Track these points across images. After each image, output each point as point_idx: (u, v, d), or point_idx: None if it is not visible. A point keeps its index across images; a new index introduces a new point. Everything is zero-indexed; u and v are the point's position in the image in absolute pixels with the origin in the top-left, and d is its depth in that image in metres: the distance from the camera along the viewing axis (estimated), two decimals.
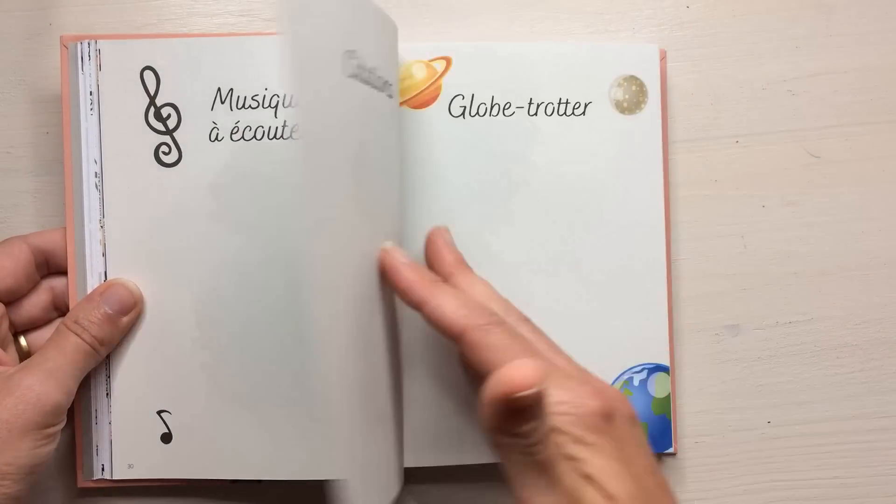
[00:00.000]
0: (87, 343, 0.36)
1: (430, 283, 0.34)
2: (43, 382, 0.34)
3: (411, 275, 0.34)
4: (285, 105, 0.38)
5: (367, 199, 0.33)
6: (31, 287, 0.38)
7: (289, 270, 0.38)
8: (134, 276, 0.38)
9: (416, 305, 0.34)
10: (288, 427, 0.38)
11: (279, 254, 0.38)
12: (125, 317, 0.37)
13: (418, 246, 0.40)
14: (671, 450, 0.41)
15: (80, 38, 0.38)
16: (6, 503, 0.33)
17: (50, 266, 0.39)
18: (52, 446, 0.35)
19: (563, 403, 0.30)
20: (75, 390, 0.36)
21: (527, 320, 0.35)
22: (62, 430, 0.36)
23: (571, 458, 0.29)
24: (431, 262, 0.38)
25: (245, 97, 0.38)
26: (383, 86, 0.35)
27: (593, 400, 0.30)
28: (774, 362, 0.43)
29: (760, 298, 0.43)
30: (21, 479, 0.34)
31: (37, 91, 0.41)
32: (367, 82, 0.33)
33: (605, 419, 0.30)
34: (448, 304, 0.33)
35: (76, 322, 0.36)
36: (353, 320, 0.32)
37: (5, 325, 0.37)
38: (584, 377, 0.33)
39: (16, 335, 0.39)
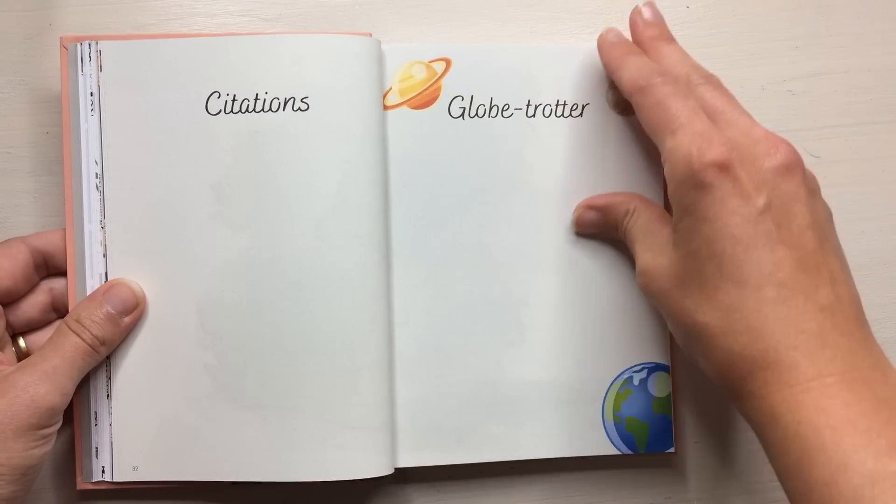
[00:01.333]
0: (87, 343, 0.36)
1: (623, 53, 0.38)
2: (38, 383, 0.34)
3: (610, 48, 0.38)
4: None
5: (242, 212, 0.38)
6: (30, 288, 0.38)
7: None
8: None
9: (609, 73, 0.39)
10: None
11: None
12: (127, 317, 0.37)
13: (409, 245, 0.40)
14: (671, 449, 0.41)
15: (79, 39, 0.38)
16: None
17: (49, 267, 0.39)
18: (47, 448, 0.35)
19: (678, 154, 0.33)
20: (72, 391, 0.36)
21: (712, 83, 0.37)
22: (59, 431, 0.36)
23: (682, 207, 0.34)
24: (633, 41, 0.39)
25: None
26: (283, 105, 0.38)
27: (711, 151, 0.33)
28: None
29: None
30: (15, 481, 0.34)
31: (37, 91, 0.41)
32: (248, 111, 0.38)
33: (721, 168, 0.32)
34: (627, 70, 0.37)
35: (77, 321, 0.36)
36: None
37: (2, 325, 0.37)
38: (739, 130, 0.34)
39: (14, 337, 0.39)
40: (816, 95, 0.44)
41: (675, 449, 0.42)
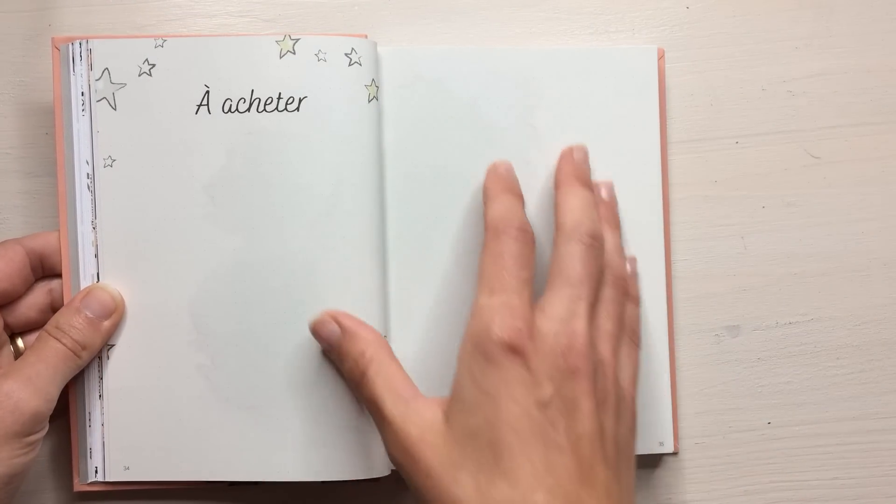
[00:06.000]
0: (68, 348, 0.36)
1: (502, 189, 0.38)
2: (22, 389, 0.34)
3: (493, 179, 0.38)
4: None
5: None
6: (27, 289, 0.38)
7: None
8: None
9: (483, 200, 0.38)
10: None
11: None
12: (106, 321, 0.37)
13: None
14: (672, 449, 0.41)
15: (71, 39, 0.38)
16: None
17: (45, 268, 0.39)
18: (30, 456, 0.34)
19: (482, 317, 0.33)
20: (56, 397, 0.35)
21: (588, 244, 0.35)
22: (57, 432, 0.36)
23: (469, 372, 0.33)
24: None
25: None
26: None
27: (510, 331, 0.32)
28: (774, 363, 0.43)
29: (760, 299, 0.43)
30: None
31: (36, 92, 0.41)
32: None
33: (512, 351, 0.32)
34: (496, 207, 0.37)
35: (57, 328, 0.36)
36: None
37: None
38: (557, 316, 0.34)
39: (13, 338, 0.38)
40: (816, 96, 0.43)
41: (676, 449, 0.42)
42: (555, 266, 0.35)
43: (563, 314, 0.34)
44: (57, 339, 0.36)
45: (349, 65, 0.38)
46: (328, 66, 0.38)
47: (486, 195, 0.38)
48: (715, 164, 0.43)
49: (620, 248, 0.38)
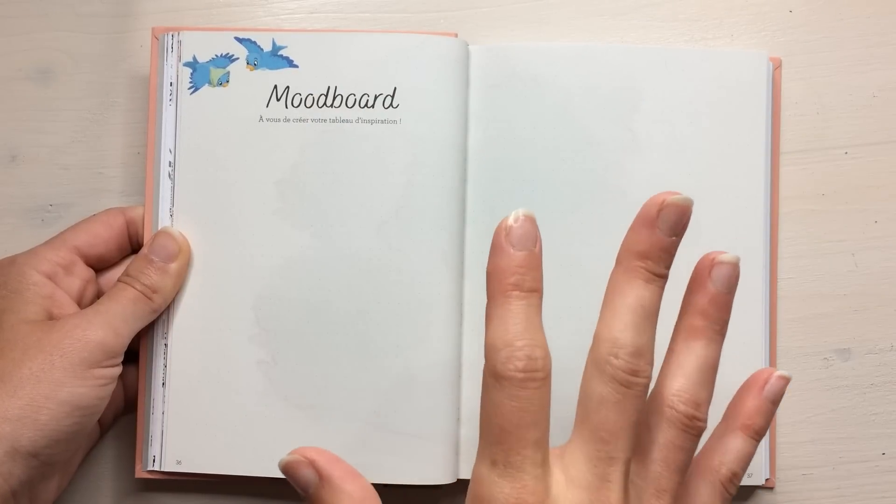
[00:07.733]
0: (138, 290, 0.37)
1: (507, 291, 0.29)
2: (90, 321, 0.35)
3: (496, 272, 0.29)
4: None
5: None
6: (122, 257, 0.40)
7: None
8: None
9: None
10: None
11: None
12: (173, 263, 0.38)
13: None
14: (763, 482, 0.39)
15: (168, 31, 0.40)
16: (41, 442, 0.33)
17: (141, 240, 0.40)
18: (98, 393, 0.35)
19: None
20: (127, 335, 0.36)
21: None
22: (123, 420, 0.36)
23: None
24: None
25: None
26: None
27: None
28: (889, 389, 0.41)
29: (873, 320, 0.41)
30: (60, 418, 0.33)
31: (129, 112, 0.42)
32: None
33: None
34: (497, 328, 0.29)
35: (128, 275, 0.38)
36: None
37: (92, 290, 0.38)
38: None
39: None
40: None
41: (772, 483, 0.40)
42: (581, 405, 0.28)
43: (589, 480, 0.27)
44: (128, 284, 0.37)
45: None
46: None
47: (487, 287, 0.29)
48: (822, 177, 0.41)
49: (711, 370, 0.30)
